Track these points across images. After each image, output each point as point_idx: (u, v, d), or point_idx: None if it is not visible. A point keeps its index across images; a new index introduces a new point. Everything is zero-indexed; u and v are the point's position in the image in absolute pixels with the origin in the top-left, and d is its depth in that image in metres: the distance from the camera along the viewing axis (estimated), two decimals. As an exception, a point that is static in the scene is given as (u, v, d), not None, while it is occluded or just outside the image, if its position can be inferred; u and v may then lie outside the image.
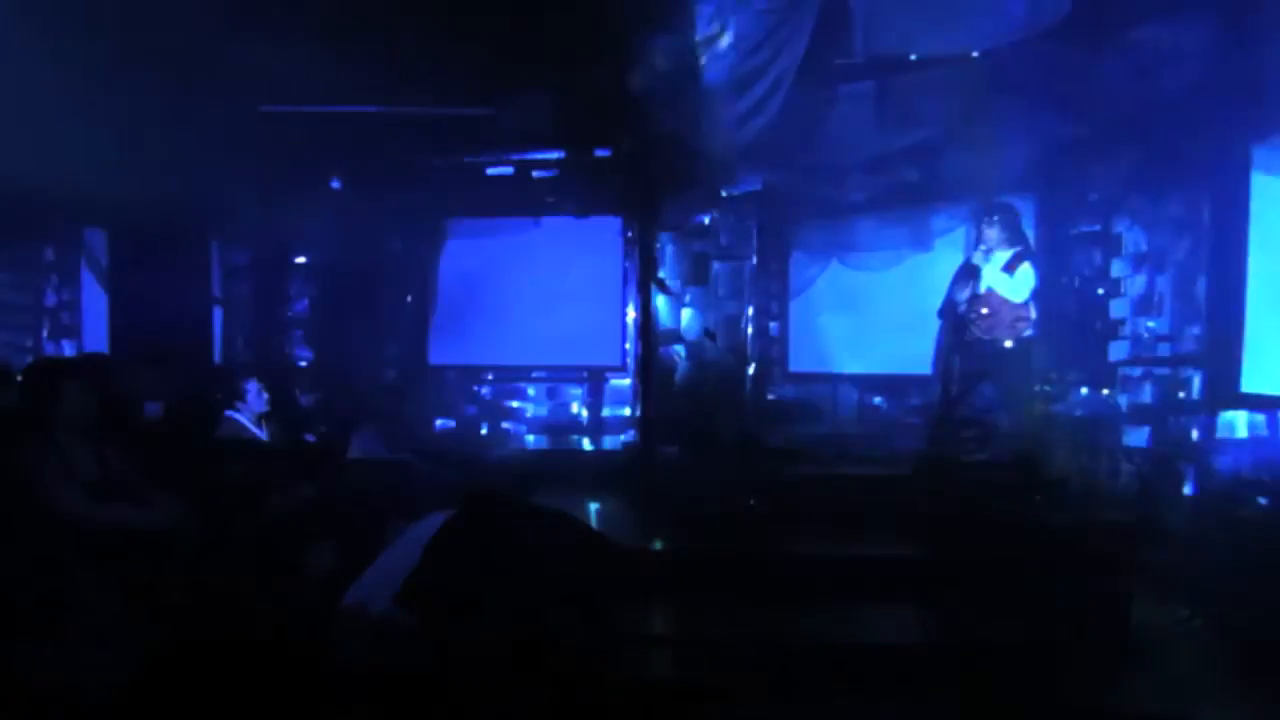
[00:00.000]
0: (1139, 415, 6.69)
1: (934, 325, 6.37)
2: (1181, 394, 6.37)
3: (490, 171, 7.76)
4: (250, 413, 5.36)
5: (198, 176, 6.17)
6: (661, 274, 6.58)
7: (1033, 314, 5.96)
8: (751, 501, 6.00)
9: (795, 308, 9.51)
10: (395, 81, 6.23)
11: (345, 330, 8.80)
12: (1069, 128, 6.27)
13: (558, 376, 9.39)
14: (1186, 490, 5.84)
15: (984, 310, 5.90)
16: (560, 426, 9.28)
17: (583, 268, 8.93)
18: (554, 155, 7.41)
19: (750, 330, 7.12)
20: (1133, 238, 7.11)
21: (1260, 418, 5.58)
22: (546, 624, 3.79)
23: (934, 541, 5.31)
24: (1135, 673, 4.33)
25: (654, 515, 5.99)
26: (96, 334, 7.96)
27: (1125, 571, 4.69)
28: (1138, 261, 7.04)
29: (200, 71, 5.67)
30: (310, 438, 6.39)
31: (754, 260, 7.13)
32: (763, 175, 6.73)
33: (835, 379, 9.30)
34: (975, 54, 5.69)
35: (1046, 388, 6.74)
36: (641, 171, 6.51)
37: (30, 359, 7.82)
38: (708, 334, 6.67)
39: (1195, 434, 6.03)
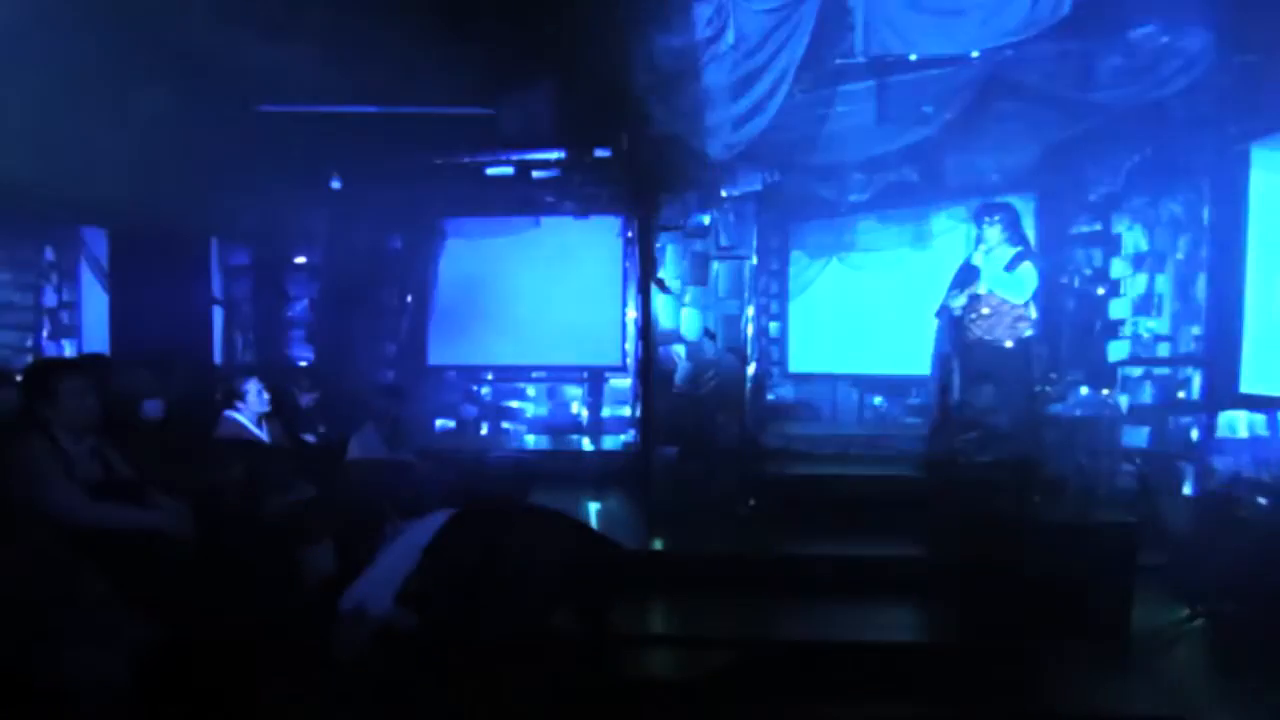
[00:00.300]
0: (1139, 415, 6.69)
1: (934, 325, 6.38)
2: (1181, 394, 6.38)
3: (490, 171, 7.75)
4: (250, 413, 5.36)
5: (198, 176, 6.17)
6: (661, 274, 6.57)
7: (1033, 314, 5.96)
8: (751, 501, 6.00)
9: (795, 308, 9.52)
10: (395, 81, 6.22)
11: (345, 330, 8.80)
12: (1069, 127, 6.27)
13: (558, 376, 9.39)
14: (1186, 490, 5.84)
15: (984, 310, 5.90)
16: (560, 426, 9.27)
17: (583, 268, 8.93)
18: (554, 155, 7.40)
19: (750, 330, 7.11)
20: (1133, 238, 7.11)
21: (1260, 418, 5.58)
22: (546, 624, 3.79)
23: (934, 541, 5.31)
24: (1135, 673, 4.33)
25: (654, 515, 5.99)
26: (96, 334, 7.96)
27: (1125, 571, 4.69)
28: (1138, 261, 7.04)
29: (200, 71, 5.66)
30: (310, 438, 6.39)
31: (754, 260, 7.11)
32: (763, 175, 6.72)
33: (835, 379, 9.31)
34: (975, 54, 5.69)
35: (1046, 388, 6.74)
36: (641, 171, 6.51)
37: (30, 359, 7.83)
38: (708, 334, 6.66)
39: (1195, 434, 6.03)
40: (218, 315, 8.33)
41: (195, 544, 3.86)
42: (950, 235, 8.23)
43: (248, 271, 8.82)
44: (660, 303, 6.57)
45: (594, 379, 9.25)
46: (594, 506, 6.73)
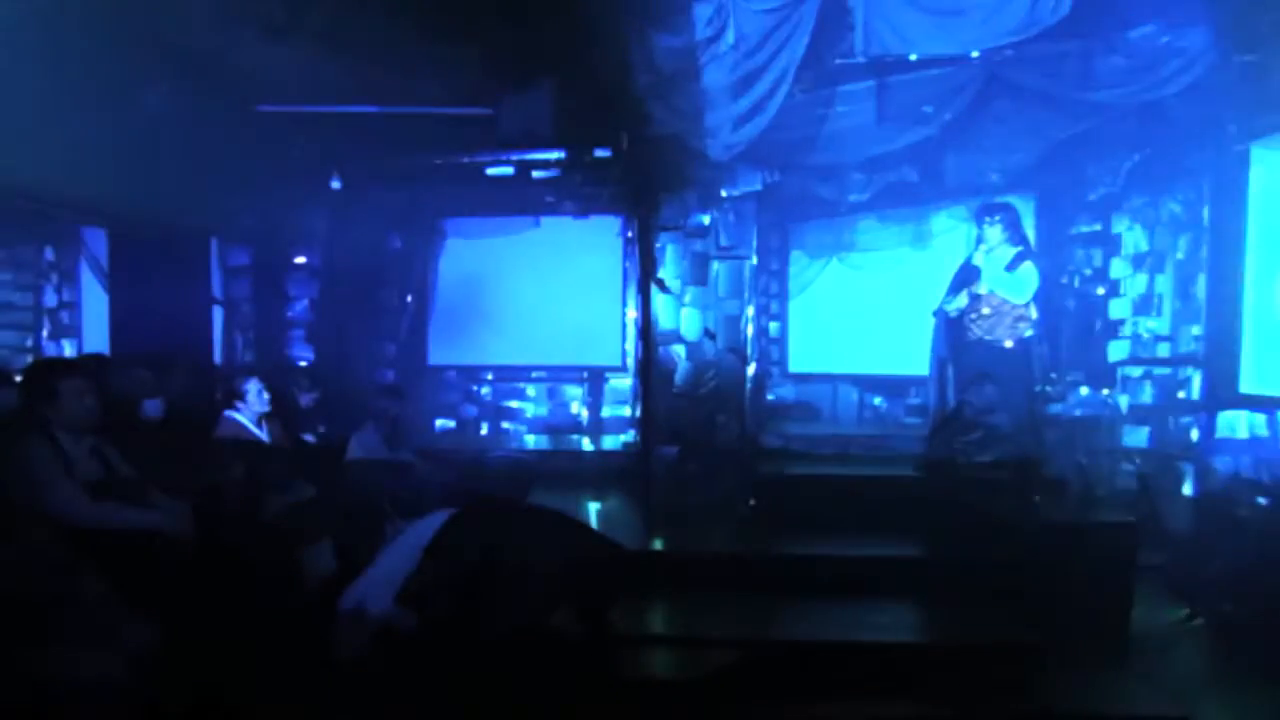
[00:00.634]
0: (1139, 415, 6.69)
1: (933, 325, 6.37)
2: (1181, 394, 6.38)
3: (490, 171, 7.74)
4: (250, 413, 5.36)
5: (198, 176, 6.17)
6: (661, 274, 6.57)
7: (1034, 314, 5.96)
8: (751, 501, 6.00)
9: (795, 308, 9.52)
10: (395, 81, 6.22)
11: (345, 330, 8.79)
12: (1069, 127, 6.27)
13: (558, 376, 9.39)
14: (1186, 490, 5.84)
15: (985, 310, 5.90)
16: (560, 426, 9.27)
17: (583, 268, 8.93)
18: (554, 155, 7.40)
19: (750, 330, 7.11)
20: (1133, 238, 7.11)
21: (1260, 418, 5.58)
22: (546, 624, 3.79)
23: (934, 541, 5.31)
24: (1135, 673, 4.33)
25: (654, 515, 5.99)
26: (96, 334, 7.96)
27: (1125, 571, 4.69)
28: (1138, 261, 7.04)
29: (200, 71, 5.66)
30: (310, 438, 6.39)
31: (754, 260, 7.11)
32: (763, 175, 6.72)
33: (835, 379, 9.30)
34: (975, 54, 5.69)
35: (1046, 388, 6.75)
36: (641, 171, 6.51)
37: (30, 359, 7.83)
38: (708, 334, 6.66)
39: (1195, 434, 6.04)
40: (218, 315, 8.32)
41: (195, 544, 3.86)
42: (950, 235, 8.22)
43: (248, 271, 8.81)
44: (660, 303, 6.56)
45: (594, 379, 9.25)
46: (594, 506, 6.73)
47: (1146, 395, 6.77)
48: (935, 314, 6.20)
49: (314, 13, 5.13)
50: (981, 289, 5.90)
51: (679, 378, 6.63)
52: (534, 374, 9.39)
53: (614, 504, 6.78)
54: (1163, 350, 6.66)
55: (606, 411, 9.19)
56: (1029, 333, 5.91)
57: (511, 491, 4.61)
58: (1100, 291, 7.43)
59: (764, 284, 8.94)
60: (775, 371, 9.47)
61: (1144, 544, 4.93)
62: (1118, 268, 7.28)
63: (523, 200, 8.55)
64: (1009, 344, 5.86)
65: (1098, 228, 7.52)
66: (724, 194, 6.60)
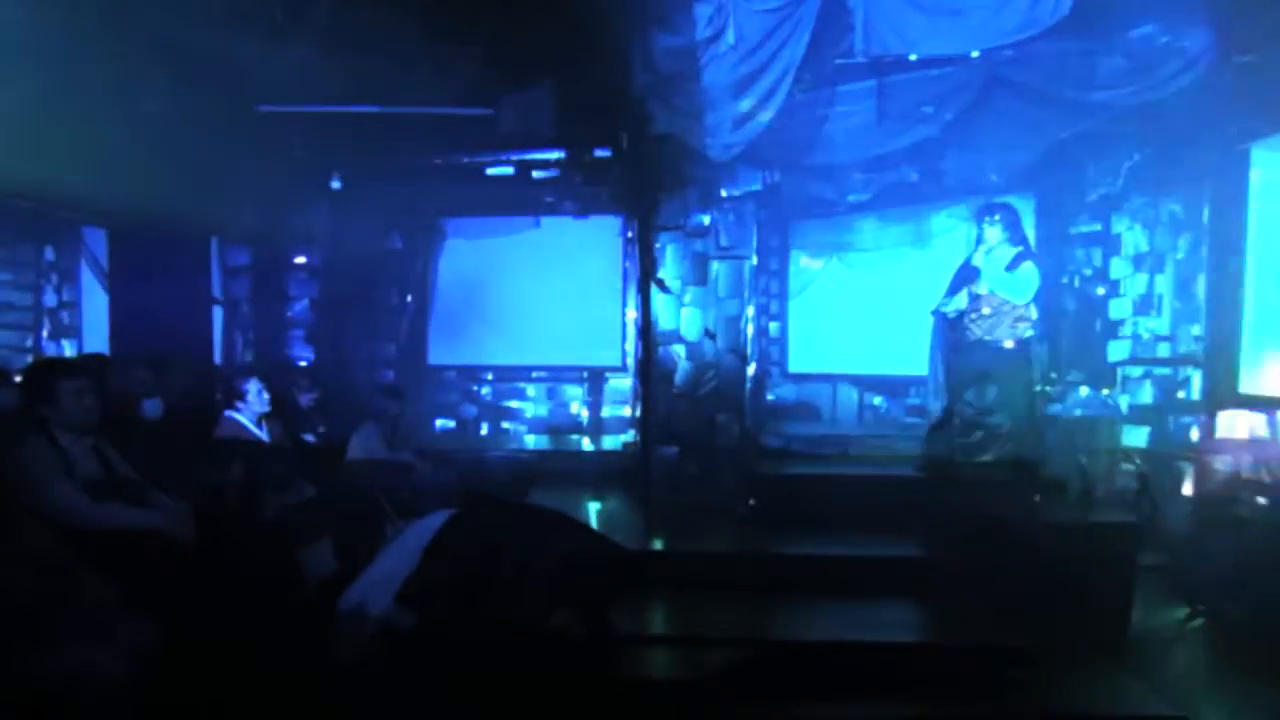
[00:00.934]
0: (1139, 415, 6.69)
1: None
2: (1181, 394, 6.38)
3: (490, 171, 7.75)
4: (250, 413, 5.36)
5: (198, 176, 6.17)
6: (661, 274, 6.57)
7: (1034, 314, 5.96)
8: (751, 501, 6.00)
9: (795, 308, 9.52)
10: (395, 81, 6.22)
11: (345, 330, 8.80)
12: (1069, 127, 6.27)
13: (558, 376, 9.39)
14: (1186, 490, 5.84)
15: (985, 310, 5.90)
16: (560, 426, 9.28)
17: (583, 268, 8.93)
18: (554, 155, 7.40)
19: (750, 330, 7.11)
20: (1133, 238, 7.11)
21: (1260, 418, 5.58)
22: (546, 624, 3.79)
23: (934, 541, 5.31)
24: (1135, 673, 4.33)
25: (654, 515, 5.99)
26: (96, 334, 7.96)
27: (1125, 571, 4.69)
28: (1138, 261, 7.04)
29: (200, 71, 5.66)
30: (310, 438, 6.39)
31: (754, 260, 7.11)
32: (763, 175, 6.72)
33: (835, 379, 9.31)
34: (975, 54, 5.69)
35: (1046, 388, 6.74)
36: (641, 171, 6.50)
37: (30, 359, 7.83)
38: (708, 334, 6.66)
39: (1195, 434, 6.04)
40: (218, 315, 8.32)
41: (195, 544, 3.86)
42: (950, 235, 8.23)
43: (248, 271, 8.81)
44: (660, 303, 6.56)
45: (594, 379, 9.25)
46: (594, 506, 6.73)
47: (1146, 395, 6.77)
48: (934, 314, 6.19)
49: (314, 13, 5.13)
50: (981, 289, 5.90)
51: (679, 378, 6.63)
52: (534, 374, 9.40)
53: (614, 504, 6.78)
54: (1163, 350, 6.65)
55: (606, 411, 9.20)
56: (1029, 333, 5.91)
57: (511, 491, 4.61)
58: (1100, 291, 7.43)
59: (764, 284, 8.94)
60: (775, 371, 9.47)
61: (1144, 544, 4.93)
62: (1118, 268, 7.28)
63: (523, 200, 8.56)
64: (1009, 344, 5.85)
65: (1098, 228, 7.52)
66: (724, 194, 6.60)
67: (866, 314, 8.89)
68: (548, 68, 6.20)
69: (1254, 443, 5.55)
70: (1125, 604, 4.63)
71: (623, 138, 6.53)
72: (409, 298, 9.12)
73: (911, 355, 7.11)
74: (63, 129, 4.98)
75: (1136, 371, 6.93)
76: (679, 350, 6.66)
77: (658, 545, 5.65)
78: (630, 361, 8.80)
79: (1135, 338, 7.00)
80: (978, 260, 5.95)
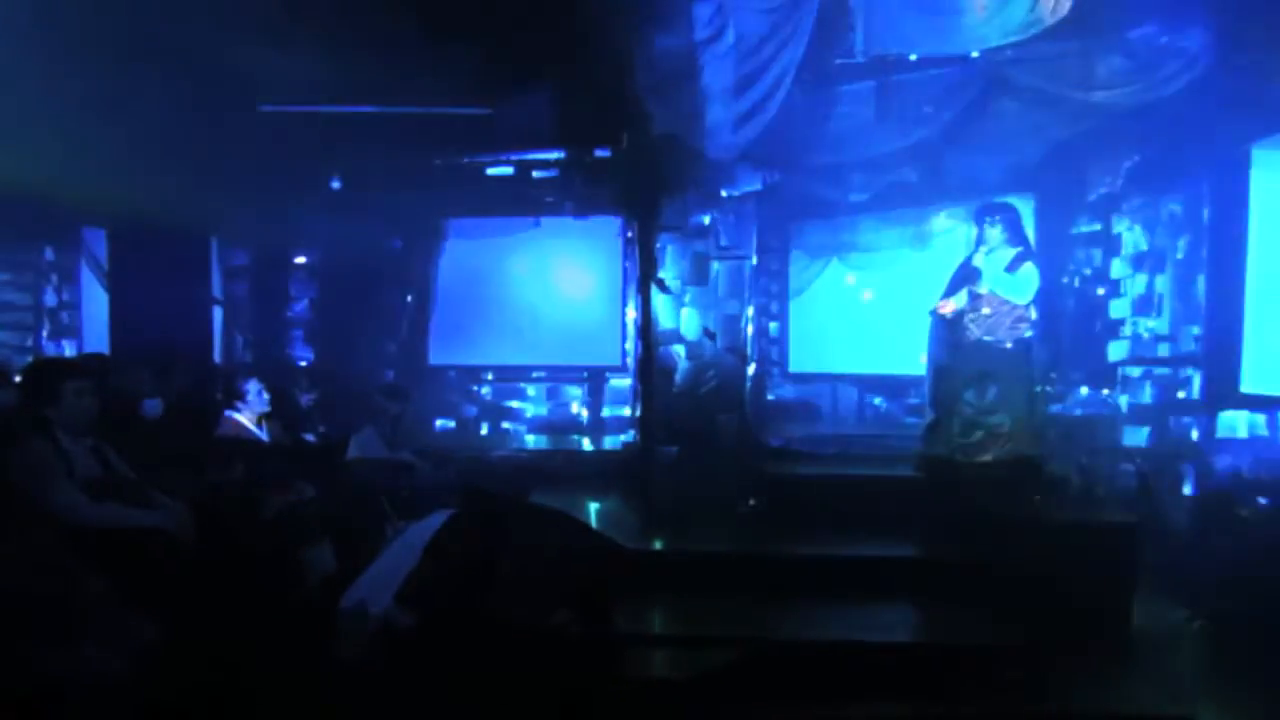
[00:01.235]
0: (1139, 415, 6.69)
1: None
2: (1181, 394, 6.38)
3: (490, 171, 7.75)
4: (250, 413, 5.36)
5: (198, 176, 6.17)
6: (661, 274, 6.57)
7: (1034, 315, 5.96)
8: (751, 501, 6.00)
9: (795, 308, 9.52)
10: (395, 81, 6.22)
11: (345, 330, 8.80)
12: (1069, 127, 6.27)
13: (558, 376, 9.39)
14: (1186, 490, 5.84)
15: (985, 311, 5.89)
16: (560, 426, 9.27)
17: (583, 268, 8.93)
18: (554, 155, 7.40)
19: (750, 330, 7.11)
20: (1133, 238, 7.11)
21: (1260, 418, 5.58)
22: (546, 623, 3.79)
23: (934, 541, 5.31)
24: (1135, 673, 4.33)
25: (654, 515, 5.99)
26: (96, 334, 7.96)
27: (1125, 571, 4.69)
28: (1138, 261, 7.04)
29: (201, 71, 5.66)
30: (310, 438, 6.39)
31: (754, 260, 7.11)
32: (763, 175, 6.72)
33: (835, 379, 9.31)
34: (975, 54, 5.69)
35: (1046, 388, 6.74)
36: (641, 171, 6.50)
37: (30, 359, 7.83)
38: (708, 334, 6.65)
39: (1195, 434, 6.04)
40: (218, 315, 8.33)
41: (195, 544, 3.86)
42: (950, 235, 8.22)
43: (248, 271, 8.82)
44: (660, 303, 6.56)
45: (594, 379, 9.25)
46: (594, 506, 6.72)
47: (1146, 395, 6.77)
48: (931, 314, 6.19)
49: (314, 13, 5.13)
50: (982, 289, 5.90)
51: (679, 378, 6.63)
52: (534, 374, 9.40)
53: (614, 504, 6.78)
54: (1163, 350, 6.66)
55: (606, 411, 9.20)
56: (1029, 333, 5.91)
57: (511, 491, 4.61)
58: (1100, 291, 7.43)
59: (764, 284, 8.93)
60: (775, 371, 9.47)
61: (1144, 544, 4.93)
62: (1118, 268, 7.28)
63: (523, 200, 8.56)
64: (1009, 344, 5.85)
65: (1098, 228, 7.52)
66: (724, 194, 6.60)
67: (866, 314, 8.89)
68: (548, 68, 6.19)
69: (1254, 443, 5.55)
70: (1125, 604, 4.63)
71: (623, 138, 6.53)
72: (409, 298, 9.12)
73: (911, 355, 7.12)
74: (63, 129, 4.98)
75: (1136, 371, 6.93)
76: (679, 350, 6.65)
77: (658, 545, 5.65)
78: (630, 361, 8.80)
79: (1135, 338, 7.00)
80: (978, 261, 5.95)
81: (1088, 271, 7.60)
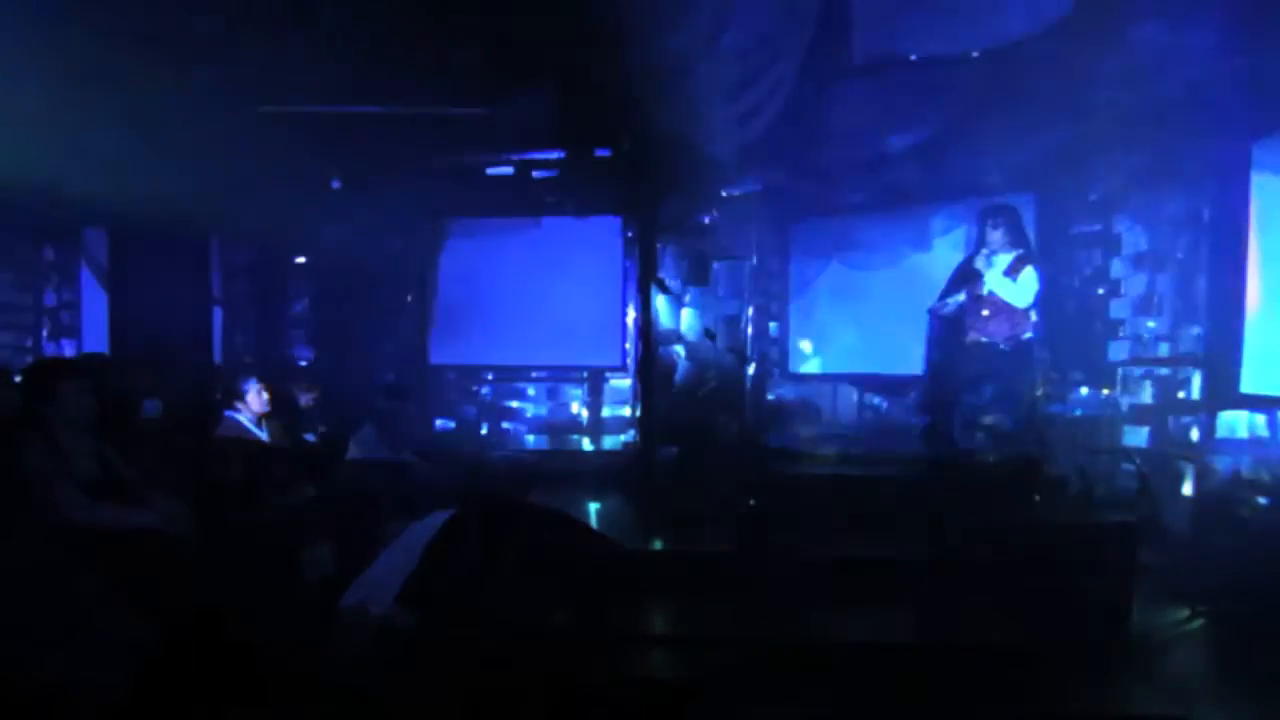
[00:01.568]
0: (1139, 415, 6.69)
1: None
2: (1181, 394, 6.37)
3: (490, 171, 7.75)
4: (250, 413, 5.36)
5: (198, 176, 6.17)
6: (661, 274, 6.57)
7: (1034, 318, 5.96)
8: (751, 501, 6.00)
9: (795, 308, 9.52)
10: (395, 81, 6.22)
11: (345, 330, 8.80)
12: (1069, 127, 6.27)
13: (558, 376, 9.39)
14: (1186, 490, 5.84)
15: (985, 313, 5.90)
16: (560, 426, 9.27)
17: (583, 268, 8.93)
18: (554, 155, 7.40)
19: (750, 330, 7.11)
20: (1133, 238, 7.11)
21: (1260, 418, 5.58)
22: (546, 623, 3.79)
23: (934, 541, 5.31)
24: (1135, 673, 4.32)
25: (654, 515, 5.99)
26: (96, 334, 7.96)
27: (1125, 571, 4.69)
28: (1138, 261, 7.04)
29: (201, 71, 5.66)
30: (310, 438, 6.39)
31: (754, 260, 7.12)
32: (763, 175, 6.72)
33: (835, 379, 9.30)
34: (975, 54, 5.69)
35: (1046, 388, 6.74)
36: (641, 171, 6.50)
37: (30, 359, 7.83)
38: (708, 334, 6.65)
39: (1195, 434, 6.03)
40: (218, 315, 8.33)
41: (195, 544, 3.86)
42: (950, 235, 8.22)
43: (248, 271, 8.82)
44: (660, 303, 6.56)
45: (594, 379, 9.24)
46: (594, 506, 6.72)
47: (1146, 395, 6.77)
48: (929, 314, 6.19)
49: (315, 13, 5.13)
50: (982, 291, 5.90)
51: (679, 378, 6.63)
52: (534, 374, 9.39)
53: (614, 504, 6.78)
54: (1163, 350, 6.65)
55: (606, 411, 9.19)
56: (1028, 334, 5.91)
57: (511, 491, 4.62)
58: (1100, 291, 7.43)
59: (764, 284, 8.93)
60: (775, 371, 9.46)
61: (1144, 544, 4.92)
62: (1118, 268, 7.27)
63: (523, 200, 8.55)
64: (1009, 345, 5.85)
65: (1098, 228, 7.52)
66: (724, 194, 6.60)
67: (866, 314, 8.89)
68: (548, 68, 6.19)
69: (1254, 443, 5.55)
70: (1125, 604, 4.63)
71: (623, 138, 6.53)
72: (409, 298, 9.12)
73: (911, 355, 7.12)
74: (63, 129, 4.98)
75: (1136, 371, 6.93)
76: (679, 350, 6.66)
77: (658, 545, 5.65)
78: (630, 361, 8.80)
79: (1135, 338, 7.00)
80: (979, 263, 5.95)
81: (1088, 271, 7.60)
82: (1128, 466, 6.17)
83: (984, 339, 5.89)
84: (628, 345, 8.88)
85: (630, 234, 8.57)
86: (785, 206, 8.31)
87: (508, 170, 7.62)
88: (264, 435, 5.38)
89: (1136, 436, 6.55)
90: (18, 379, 4.61)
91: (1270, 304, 5.59)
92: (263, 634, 3.48)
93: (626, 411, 8.93)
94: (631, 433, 8.49)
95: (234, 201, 7.07)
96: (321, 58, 5.49)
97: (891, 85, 6.03)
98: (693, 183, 6.43)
